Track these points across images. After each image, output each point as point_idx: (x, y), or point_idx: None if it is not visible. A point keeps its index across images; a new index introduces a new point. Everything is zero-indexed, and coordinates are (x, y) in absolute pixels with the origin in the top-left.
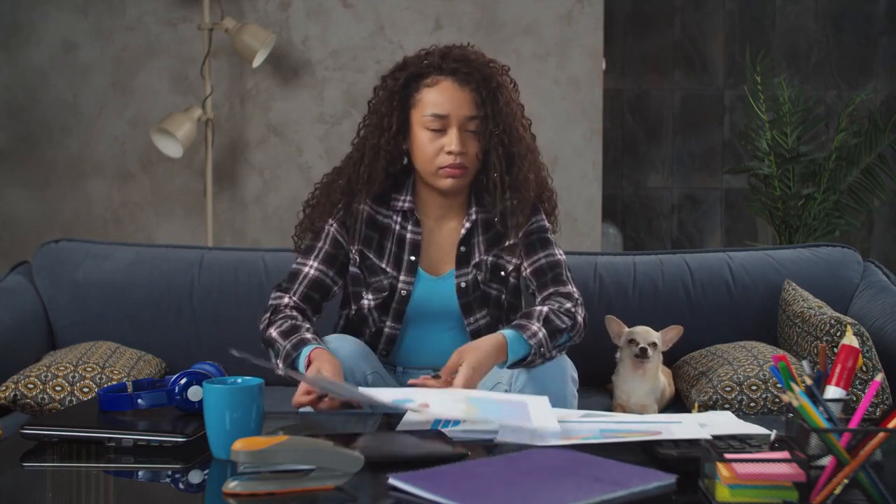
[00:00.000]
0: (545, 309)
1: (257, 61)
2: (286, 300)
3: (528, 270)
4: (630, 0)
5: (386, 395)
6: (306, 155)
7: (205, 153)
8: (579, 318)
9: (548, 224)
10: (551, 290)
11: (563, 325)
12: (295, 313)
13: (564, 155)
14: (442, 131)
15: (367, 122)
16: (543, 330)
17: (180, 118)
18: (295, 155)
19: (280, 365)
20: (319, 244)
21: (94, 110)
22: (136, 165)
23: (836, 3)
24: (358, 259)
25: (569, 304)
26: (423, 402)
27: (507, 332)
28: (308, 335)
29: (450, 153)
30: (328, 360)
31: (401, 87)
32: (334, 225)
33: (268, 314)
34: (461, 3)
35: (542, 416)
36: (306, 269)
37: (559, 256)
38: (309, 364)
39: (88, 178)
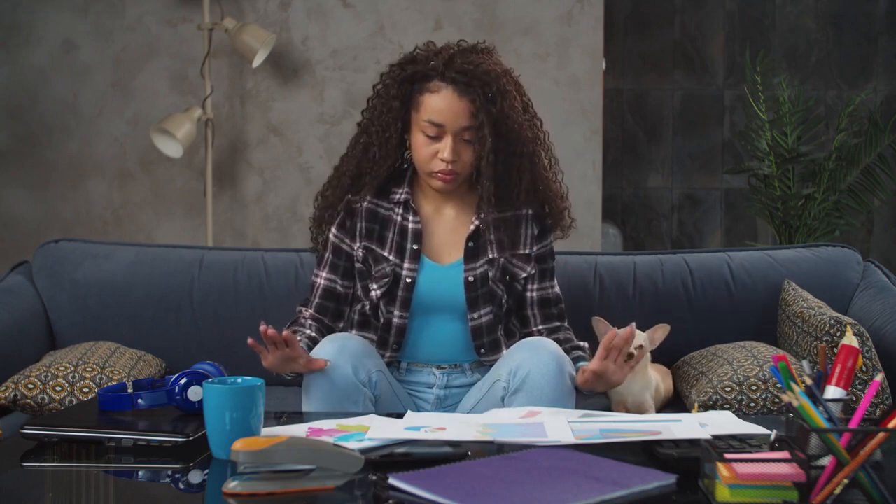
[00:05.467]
0: (584, 344)
1: (257, 61)
2: (305, 312)
3: (535, 295)
4: (630, 0)
5: (397, 426)
6: (306, 155)
7: (205, 153)
8: None
9: (552, 237)
10: (557, 324)
11: None
12: (310, 322)
13: (564, 155)
14: (438, 138)
15: (372, 108)
16: None
17: (180, 118)
18: (295, 155)
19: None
20: (326, 254)
21: (94, 110)
22: (136, 165)
23: (836, 3)
24: (362, 254)
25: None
26: (439, 427)
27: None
28: (297, 337)
29: (443, 160)
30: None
31: (407, 79)
32: (333, 230)
33: (289, 323)
34: (461, 3)
35: (558, 430)
36: (318, 280)
37: (558, 289)
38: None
39: (88, 178)
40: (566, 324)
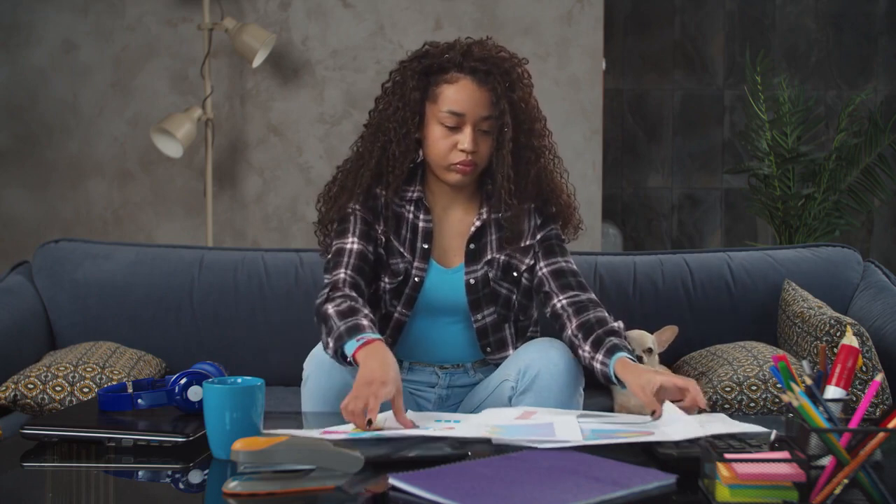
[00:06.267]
0: (619, 324)
1: (257, 61)
2: (342, 275)
3: (546, 270)
4: (630, 0)
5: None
6: (306, 155)
7: (205, 153)
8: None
9: (562, 235)
10: (577, 293)
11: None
12: (353, 293)
13: (564, 155)
14: (457, 128)
15: (386, 105)
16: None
17: (180, 118)
18: (295, 155)
19: (330, 344)
20: (351, 225)
21: (94, 110)
22: (136, 165)
23: (836, 3)
24: (384, 240)
25: (610, 318)
26: (448, 426)
27: (626, 355)
28: (364, 321)
29: (463, 151)
30: (377, 358)
31: (423, 72)
32: (358, 207)
33: (326, 290)
34: (461, 3)
35: (567, 432)
36: (349, 245)
37: (574, 266)
38: (356, 356)
39: (88, 178)
40: (592, 296)
